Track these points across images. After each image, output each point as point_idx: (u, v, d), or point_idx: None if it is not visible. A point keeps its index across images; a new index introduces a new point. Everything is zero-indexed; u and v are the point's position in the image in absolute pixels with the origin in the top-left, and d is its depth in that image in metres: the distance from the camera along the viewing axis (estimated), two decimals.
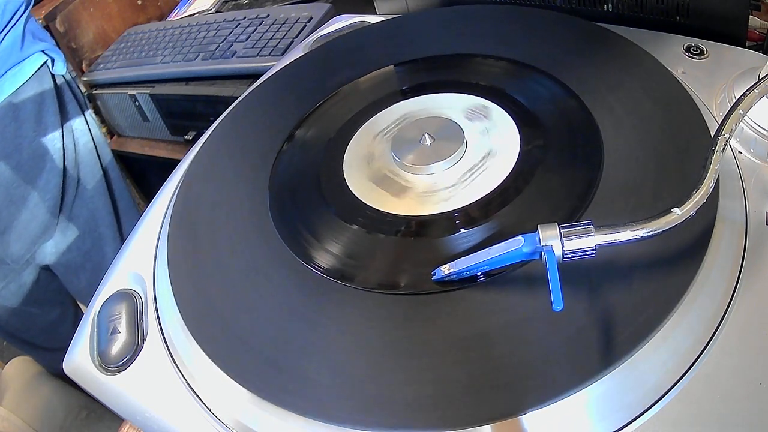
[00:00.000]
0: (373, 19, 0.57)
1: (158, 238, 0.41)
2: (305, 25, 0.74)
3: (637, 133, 0.36)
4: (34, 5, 0.86)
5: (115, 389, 0.34)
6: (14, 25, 0.66)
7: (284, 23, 0.76)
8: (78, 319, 0.90)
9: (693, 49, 0.41)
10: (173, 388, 0.32)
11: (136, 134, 0.92)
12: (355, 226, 0.36)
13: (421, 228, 0.35)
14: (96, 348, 0.36)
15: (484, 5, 0.52)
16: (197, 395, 0.32)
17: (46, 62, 0.71)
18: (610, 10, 0.48)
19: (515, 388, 0.26)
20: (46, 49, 0.71)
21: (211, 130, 0.49)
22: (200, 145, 0.48)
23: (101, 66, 0.91)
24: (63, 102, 0.75)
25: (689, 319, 0.27)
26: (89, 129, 0.79)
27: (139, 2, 1.02)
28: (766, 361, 0.25)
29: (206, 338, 0.33)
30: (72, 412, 0.81)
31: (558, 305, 0.24)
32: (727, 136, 0.29)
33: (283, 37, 0.73)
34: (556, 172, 0.36)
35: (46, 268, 0.82)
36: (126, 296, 0.38)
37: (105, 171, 0.82)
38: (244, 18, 0.82)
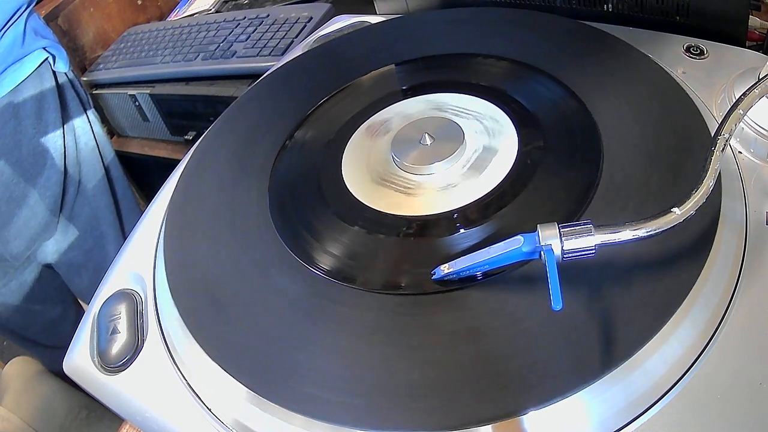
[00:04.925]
0: (373, 19, 0.57)
1: (158, 238, 0.41)
2: (305, 25, 0.74)
3: (637, 133, 0.36)
4: (34, 5, 0.86)
5: (115, 389, 0.34)
6: (15, 21, 0.66)
7: (284, 23, 0.76)
8: (79, 317, 0.91)
9: (693, 49, 0.41)
10: (173, 388, 0.32)
11: (136, 134, 0.92)
12: (356, 227, 0.36)
13: (421, 228, 0.35)
14: (96, 348, 0.36)
15: (484, 7, 0.52)
16: (197, 395, 0.32)
17: (47, 59, 0.71)
18: (610, 10, 0.48)
19: (515, 388, 0.26)
20: (47, 46, 0.71)
21: (210, 130, 0.49)
22: (200, 145, 0.48)
23: (101, 66, 0.91)
24: (64, 100, 0.74)
25: (689, 319, 0.27)
26: (91, 127, 0.79)
27: (139, 2, 1.02)
28: (766, 361, 0.25)
29: (206, 338, 0.33)
30: (72, 412, 0.81)
31: (557, 305, 0.24)
32: (726, 136, 0.29)
33: (283, 37, 0.73)
34: (556, 172, 0.36)
35: (48, 266, 0.82)
36: (126, 296, 0.38)
37: (107, 170, 0.82)
38: (244, 18, 0.82)
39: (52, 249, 0.78)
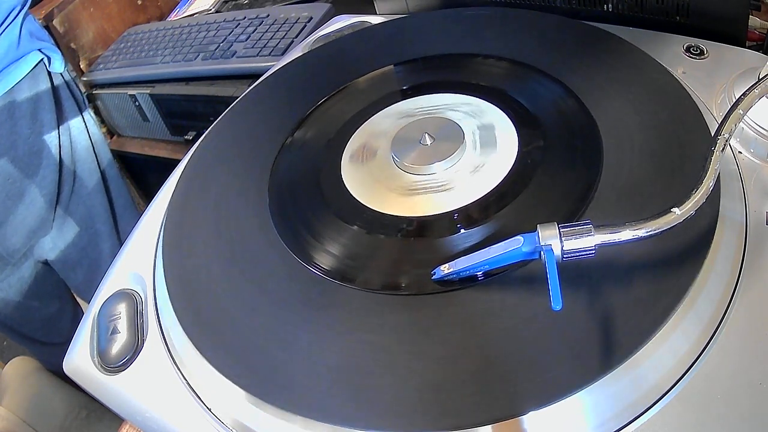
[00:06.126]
0: (373, 19, 0.57)
1: (158, 238, 0.41)
2: (305, 25, 0.74)
3: (637, 133, 0.36)
4: (34, 5, 0.86)
5: (115, 389, 0.34)
6: (10, 24, 0.67)
7: (284, 23, 0.76)
8: (76, 313, 0.92)
9: (693, 49, 0.41)
10: (173, 388, 0.32)
11: (135, 134, 0.92)
12: (355, 227, 0.36)
13: (421, 228, 0.35)
14: (96, 348, 0.36)
15: (484, 7, 0.52)
16: (197, 395, 0.32)
17: (42, 60, 0.71)
18: (610, 10, 0.48)
19: (515, 389, 0.26)
20: (43, 47, 0.71)
21: (210, 130, 0.49)
22: (200, 145, 0.48)
23: (101, 66, 0.91)
24: (60, 100, 0.75)
25: (689, 319, 0.27)
26: (86, 128, 0.80)
27: (139, 2, 1.02)
28: (766, 361, 0.25)
29: (204, 340, 0.33)
30: (72, 411, 0.81)
31: (557, 305, 0.24)
32: (726, 136, 0.29)
33: (283, 37, 0.73)
34: (556, 172, 0.36)
35: (44, 263, 0.83)
36: (126, 296, 0.38)
37: (103, 169, 0.83)
38: (244, 18, 0.82)
39: (48, 246, 0.79)
